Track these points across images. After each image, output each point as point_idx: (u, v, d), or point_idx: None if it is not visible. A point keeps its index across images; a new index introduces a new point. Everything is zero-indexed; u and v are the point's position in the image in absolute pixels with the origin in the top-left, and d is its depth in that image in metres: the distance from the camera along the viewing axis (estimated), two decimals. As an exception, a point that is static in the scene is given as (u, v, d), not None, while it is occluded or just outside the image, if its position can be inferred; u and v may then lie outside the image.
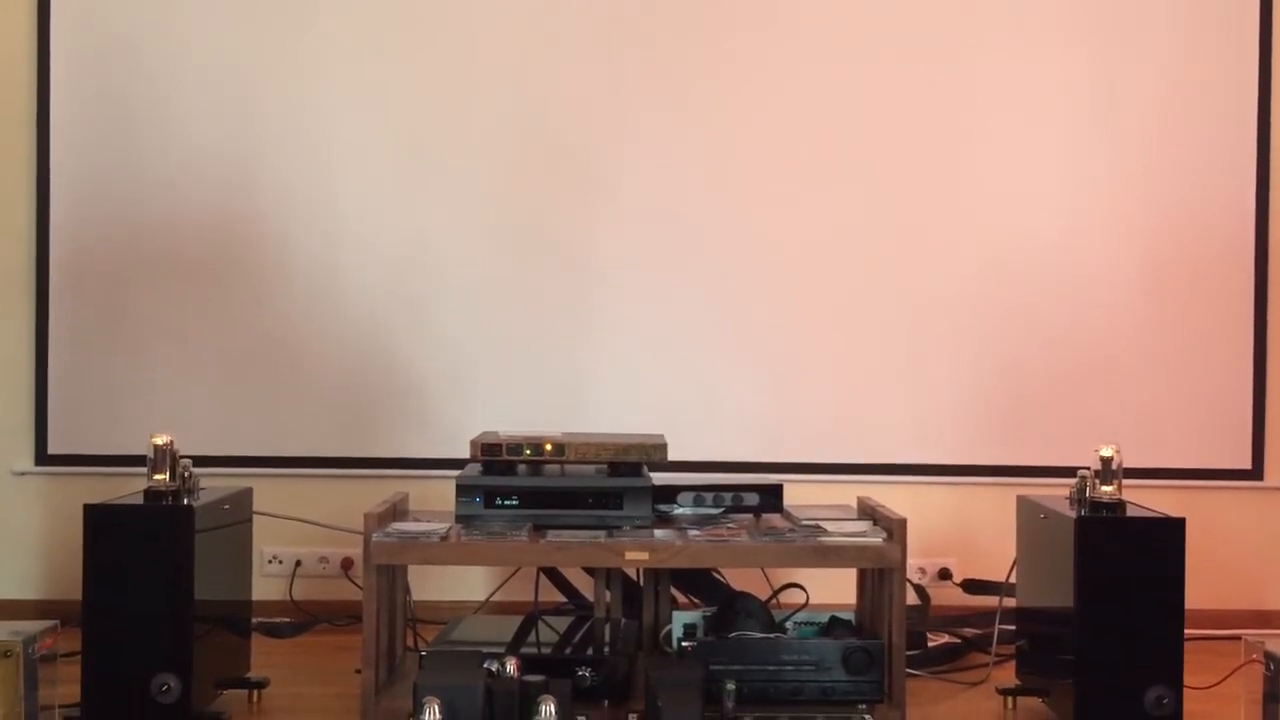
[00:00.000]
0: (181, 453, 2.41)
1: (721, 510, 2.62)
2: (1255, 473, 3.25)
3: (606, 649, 2.46)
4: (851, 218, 3.24)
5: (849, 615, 2.62)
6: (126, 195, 3.21)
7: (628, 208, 3.24)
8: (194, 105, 3.21)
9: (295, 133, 3.22)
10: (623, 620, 2.69)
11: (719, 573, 2.87)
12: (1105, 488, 2.39)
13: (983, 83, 3.24)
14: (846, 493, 2.88)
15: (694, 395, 3.22)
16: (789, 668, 2.37)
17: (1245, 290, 3.24)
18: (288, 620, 3.07)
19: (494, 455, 2.57)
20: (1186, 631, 2.32)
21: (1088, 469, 2.41)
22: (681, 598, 2.87)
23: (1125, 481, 2.40)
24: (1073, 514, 2.35)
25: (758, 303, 3.24)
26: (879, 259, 3.24)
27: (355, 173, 3.23)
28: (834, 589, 2.81)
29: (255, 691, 2.50)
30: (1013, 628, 2.66)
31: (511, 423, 3.03)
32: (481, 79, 3.23)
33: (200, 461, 2.46)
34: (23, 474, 3.21)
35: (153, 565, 2.28)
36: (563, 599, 3.02)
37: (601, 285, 3.24)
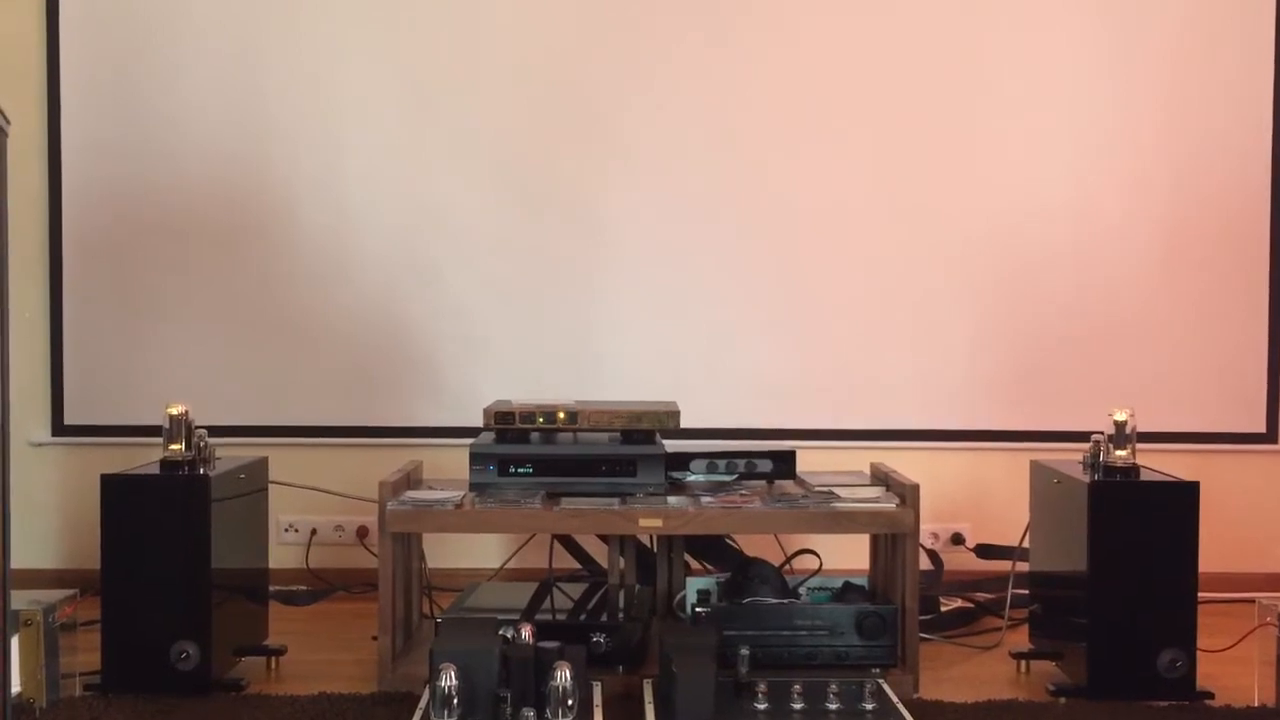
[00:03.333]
0: (197, 423, 2.42)
1: (735, 477, 2.63)
2: (1269, 436, 3.24)
3: (621, 615, 2.47)
4: (864, 182, 3.22)
5: (862, 580, 2.62)
6: (137, 167, 3.21)
7: (640, 171, 3.22)
8: (201, 75, 3.21)
9: (302, 99, 3.21)
10: (637, 586, 2.70)
11: (732, 539, 2.88)
12: (1119, 452, 2.38)
13: (995, 44, 3.21)
14: (860, 458, 2.88)
15: (707, 361, 3.22)
16: (803, 633, 2.38)
17: (1260, 253, 3.22)
18: (304, 588, 3.09)
19: (507, 423, 2.58)
20: (1200, 595, 2.32)
21: (1101, 433, 2.41)
22: (695, 564, 2.88)
23: (1139, 445, 2.40)
24: (1086, 478, 2.35)
25: (771, 268, 3.23)
26: (892, 223, 3.22)
27: (362, 138, 3.22)
28: (847, 554, 2.82)
29: (273, 658, 2.52)
30: (1025, 592, 2.67)
31: (523, 387, 3.04)
32: (487, 35, 3.21)
33: (215, 431, 2.48)
34: (40, 445, 3.23)
35: (170, 534, 2.30)
36: (577, 566, 3.03)
37: (614, 250, 3.23)
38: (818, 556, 2.83)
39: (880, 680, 2.16)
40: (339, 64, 3.22)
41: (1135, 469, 2.39)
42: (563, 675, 1.92)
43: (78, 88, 3.20)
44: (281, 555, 3.14)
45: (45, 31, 3.19)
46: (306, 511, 3.19)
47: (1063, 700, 2.31)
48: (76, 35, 3.20)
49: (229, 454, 2.52)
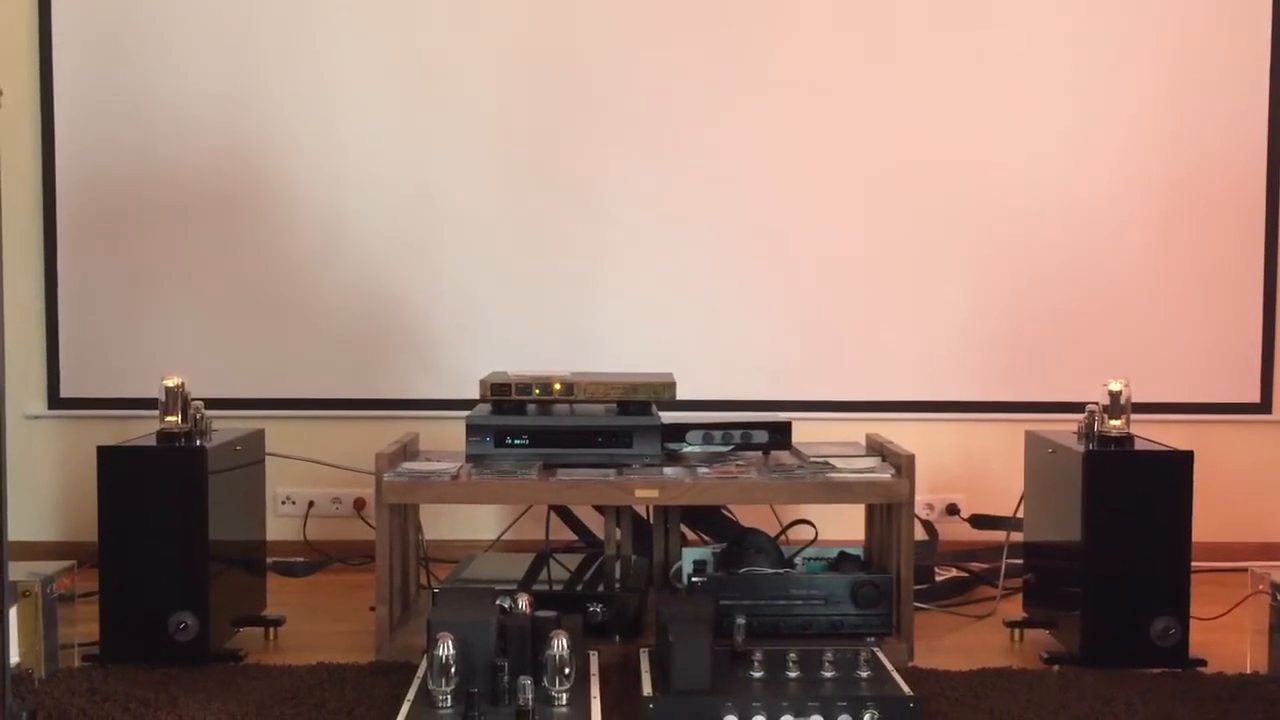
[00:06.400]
0: (193, 395, 2.42)
1: (730, 448, 2.63)
2: (1264, 406, 3.25)
3: (617, 585, 2.48)
4: (858, 156, 3.21)
5: (857, 550, 2.63)
6: (131, 139, 3.20)
7: (635, 145, 3.21)
8: (196, 48, 3.19)
9: (298, 73, 3.20)
10: (633, 557, 2.71)
11: (728, 510, 2.89)
12: (1114, 422, 2.39)
13: (988, 13, 3.20)
14: (855, 430, 2.89)
15: (703, 333, 3.22)
16: (798, 602, 2.39)
17: (1255, 221, 3.22)
18: (302, 560, 3.10)
19: (503, 395, 2.58)
20: (1193, 563, 2.34)
21: (1096, 404, 2.41)
22: (691, 534, 2.89)
23: (1134, 416, 2.40)
24: (1081, 448, 2.36)
25: (766, 240, 3.23)
26: (889, 197, 3.22)
27: (359, 112, 3.21)
28: (843, 525, 2.83)
29: (272, 629, 2.53)
30: (1020, 561, 2.68)
31: (520, 361, 3.05)
32: (486, 10, 3.19)
33: (211, 404, 2.47)
34: (36, 417, 3.23)
35: (167, 506, 2.31)
36: (573, 537, 3.04)
37: (609, 223, 3.23)
38: (813, 527, 2.85)
39: (875, 649, 2.17)
40: (337, 37, 3.20)
41: (1130, 439, 2.39)
42: (560, 645, 1.93)
43: (70, 60, 3.18)
44: (279, 527, 3.15)
45: (37, 3, 3.17)
46: (303, 483, 3.20)
47: (1056, 668, 2.33)
48: (69, 7, 3.17)
49: (225, 426, 2.52)
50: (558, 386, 2.58)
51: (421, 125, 3.21)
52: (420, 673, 2.05)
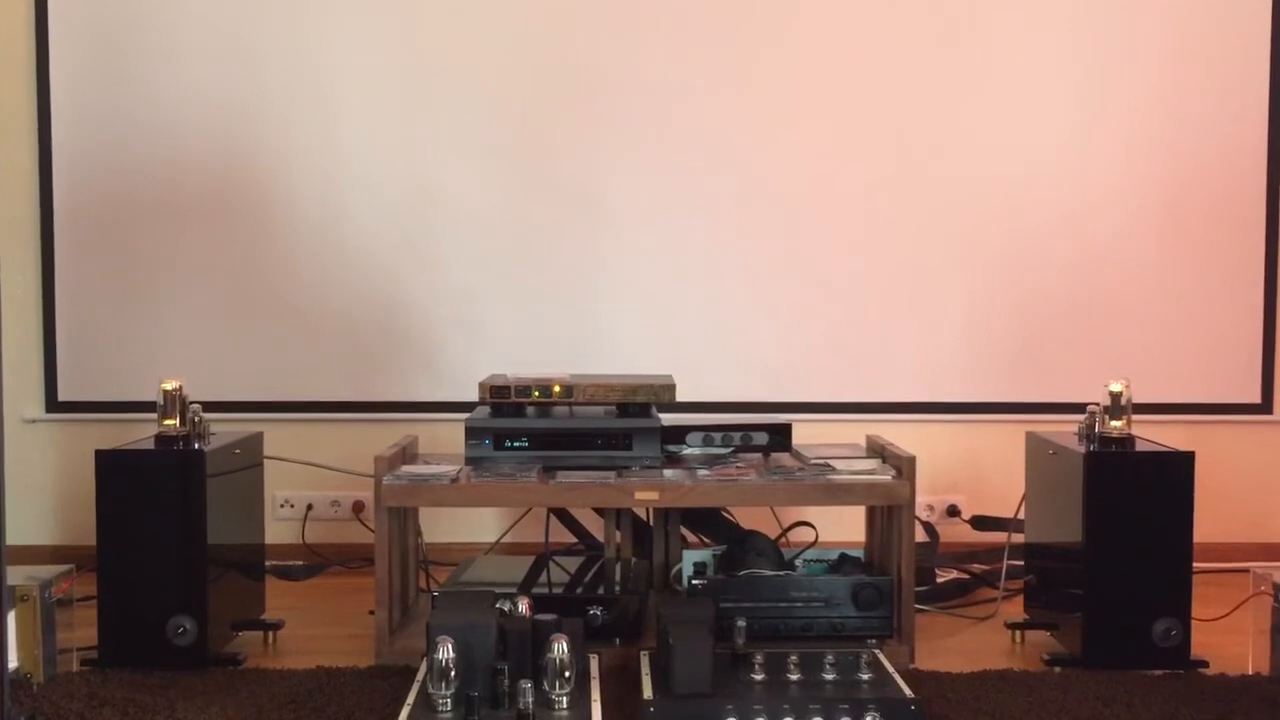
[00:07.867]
0: (191, 398, 2.42)
1: (730, 450, 2.63)
2: (1265, 407, 3.24)
3: (617, 588, 2.48)
4: (860, 157, 3.21)
5: (858, 552, 2.63)
6: (129, 140, 3.20)
7: (635, 145, 3.21)
8: (194, 47, 3.18)
9: (296, 73, 3.19)
10: (633, 560, 2.70)
11: (728, 512, 2.89)
12: (1115, 423, 2.39)
13: (990, 16, 3.20)
14: (855, 431, 2.88)
15: (703, 335, 3.21)
16: (799, 604, 2.39)
17: (1256, 222, 3.22)
18: (301, 563, 3.09)
19: (503, 397, 2.57)
20: (1195, 564, 2.33)
21: (1097, 404, 2.41)
22: (691, 537, 2.88)
23: (1134, 416, 2.40)
24: (1082, 449, 2.36)
25: (766, 241, 3.22)
26: (887, 197, 3.22)
27: (359, 112, 3.20)
28: (843, 527, 2.83)
29: (270, 633, 2.52)
30: (1021, 563, 2.67)
31: (519, 363, 3.04)
32: (485, 12, 3.19)
33: (210, 407, 2.47)
34: (34, 421, 3.22)
35: (165, 510, 2.30)
36: (573, 539, 3.04)
37: (608, 223, 3.23)
38: (814, 529, 2.84)
39: (876, 651, 2.17)
40: (335, 39, 3.19)
41: (1131, 440, 2.39)
42: (560, 648, 1.93)
43: (67, 63, 3.18)
44: (277, 530, 3.15)
45: (34, 4, 3.17)
46: (302, 487, 3.19)
47: (1058, 670, 2.32)
48: (65, 8, 3.17)
49: (224, 429, 2.52)
50: (557, 389, 2.58)
51: (421, 125, 3.21)
52: (420, 676, 2.04)
